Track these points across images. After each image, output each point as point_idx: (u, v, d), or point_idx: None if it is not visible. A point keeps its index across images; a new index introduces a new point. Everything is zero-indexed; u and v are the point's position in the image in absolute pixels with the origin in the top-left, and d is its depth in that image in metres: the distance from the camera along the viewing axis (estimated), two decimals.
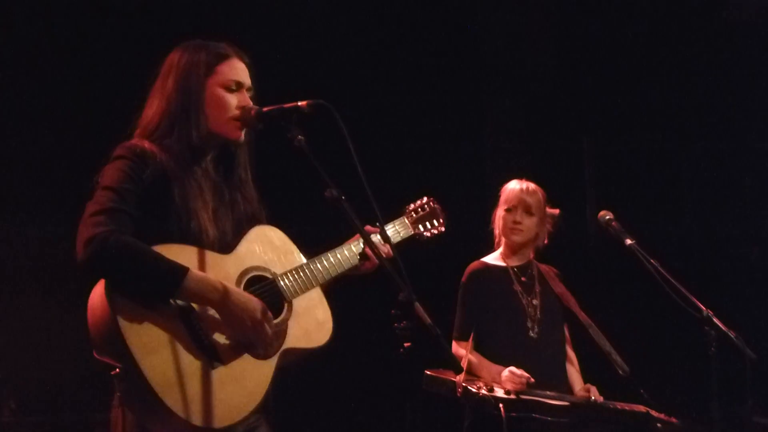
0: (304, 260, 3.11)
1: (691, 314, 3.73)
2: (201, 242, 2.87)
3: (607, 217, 4.06)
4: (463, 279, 4.29)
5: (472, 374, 4.01)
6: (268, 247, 3.04)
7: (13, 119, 5.20)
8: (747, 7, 6.26)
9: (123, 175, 2.81)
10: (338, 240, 3.24)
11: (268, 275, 3.00)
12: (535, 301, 4.25)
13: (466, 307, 4.24)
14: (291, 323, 2.98)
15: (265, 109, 2.93)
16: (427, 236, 3.56)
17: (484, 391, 3.77)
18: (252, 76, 3.05)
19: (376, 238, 3.13)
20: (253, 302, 2.83)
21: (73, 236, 2.74)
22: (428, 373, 3.89)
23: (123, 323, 2.66)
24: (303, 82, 4.95)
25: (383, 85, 5.95)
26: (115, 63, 5.15)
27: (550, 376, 4.09)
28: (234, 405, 2.79)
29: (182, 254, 2.80)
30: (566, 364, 4.29)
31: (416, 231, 3.52)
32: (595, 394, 4.03)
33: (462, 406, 4.05)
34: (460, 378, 3.79)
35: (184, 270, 2.73)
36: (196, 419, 2.69)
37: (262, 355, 2.89)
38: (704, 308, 3.73)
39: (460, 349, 4.09)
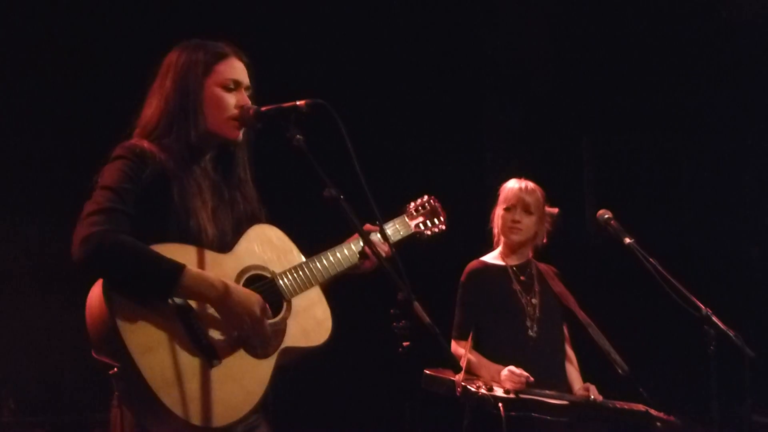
0: (303, 259, 3.12)
1: (690, 313, 3.73)
2: (200, 241, 2.88)
3: (606, 216, 4.06)
4: (462, 278, 4.29)
5: (472, 373, 4.01)
6: (267, 246, 3.04)
7: (13, 119, 5.21)
8: (747, 7, 6.25)
9: (122, 175, 2.81)
10: (337, 239, 3.24)
11: (267, 274, 3.00)
12: (534, 300, 4.26)
13: (465, 307, 4.24)
14: (290, 322, 2.98)
15: (263, 108, 2.93)
16: (428, 234, 3.56)
17: (483, 391, 3.78)
18: (251, 76, 3.05)
19: (375, 236, 3.13)
20: (252, 298, 2.83)
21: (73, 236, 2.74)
22: (427, 372, 3.90)
23: (121, 322, 2.66)
24: (302, 81, 4.96)
25: (382, 85, 5.96)
26: (114, 63, 5.16)
27: (550, 376, 4.09)
28: (232, 404, 2.79)
29: (181, 253, 2.80)
30: (565, 363, 4.29)
31: (417, 229, 3.52)
32: (594, 393, 4.03)
33: (461, 406, 4.05)
34: (459, 377, 3.79)
35: (180, 267, 2.73)
36: (195, 418, 2.69)
37: (261, 354, 2.89)
38: (703, 307, 3.73)
39: (460, 349, 4.09)
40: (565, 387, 4.19)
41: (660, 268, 3.83)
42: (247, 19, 5.50)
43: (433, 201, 3.62)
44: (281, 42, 5.66)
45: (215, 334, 2.81)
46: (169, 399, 2.66)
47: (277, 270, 3.02)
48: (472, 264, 4.33)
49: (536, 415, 3.82)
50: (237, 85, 2.99)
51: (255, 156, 3.14)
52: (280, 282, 3.00)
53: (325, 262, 3.13)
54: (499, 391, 3.81)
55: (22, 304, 5.12)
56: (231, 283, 2.83)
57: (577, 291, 4.35)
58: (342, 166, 2.69)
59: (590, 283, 5.23)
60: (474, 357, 4.08)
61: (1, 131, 5.17)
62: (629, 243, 3.94)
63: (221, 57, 3.00)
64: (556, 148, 6.31)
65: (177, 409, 2.67)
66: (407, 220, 3.51)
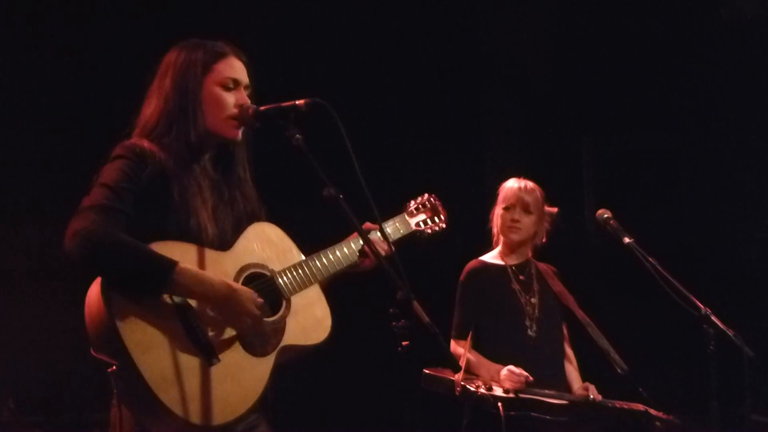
0: (303, 257, 3.12)
1: (689, 312, 3.73)
2: (200, 240, 2.88)
3: (606, 216, 4.06)
4: (462, 278, 4.29)
5: (471, 373, 4.01)
6: (266, 245, 3.04)
7: (13, 119, 5.21)
8: (746, 7, 6.25)
9: (121, 174, 2.81)
10: (337, 239, 3.24)
11: (266, 272, 3.00)
12: (533, 300, 4.26)
13: (464, 306, 4.24)
14: (289, 320, 2.98)
15: (262, 107, 2.93)
16: (428, 233, 3.55)
17: (482, 390, 3.78)
18: (250, 75, 3.05)
19: (375, 235, 3.13)
20: (247, 295, 2.82)
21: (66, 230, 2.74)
22: (427, 371, 3.90)
23: (119, 321, 2.66)
24: (301, 81, 4.96)
25: (382, 84, 5.96)
26: (115, 63, 5.16)
27: (549, 375, 4.10)
28: (231, 402, 2.79)
29: (181, 251, 2.81)
30: (565, 363, 4.29)
31: (417, 228, 3.52)
32: (593, 393, 4.04)
33: (461, 405, 4.05)
34: (458, 377, 3.79)
35: (173, 264, 2.72)
36: (194, 417, 2.69)
37: (260, 352, 2.89)
38: (702, 306, 3.73)
39: (459, 348, 4.10)
40: (564, 386, 4.19)
41: (659, 267, 3.83)
42: (247, 19, 5.50)
43: (434, 199, 3.62)
44: (281, 42, 5.66)
45: (214, 333, 2.81)
46: (168, 397, 2.66)
47: (277, 268, 3.02)
48: (472, 263, 4.33)
49: (535, 414, 3.82)
50: (236, 84, 2.99)
51: (254, 155, 3.15)
52: (280, 280, 3.00)
53: (324, 260, 3.13)
54: (498, 391, 3.81)
55: (22, 304, 5.12)
56: (226, 280, 2.83)
57: (577, 290, 4.35)
58: (341, 166, 2.69)
59: (589, 282, 5.24)
60: (473, 356, 4.08)
61: (1, 131, 5.17)
62: (628, 242, 3.94)
63: (220, 56, 3.00)
64: (555, 148, 6.32)
65: (176, 408, 2.67)
66: (407, 218, 3.51)
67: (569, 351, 4.34)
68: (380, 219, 2.90)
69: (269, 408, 3.00)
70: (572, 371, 4.29)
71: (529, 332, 4.19)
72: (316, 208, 2.93)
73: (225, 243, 2.95)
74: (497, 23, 6.47)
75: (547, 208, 4.34)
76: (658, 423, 3.93)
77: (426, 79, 6.11)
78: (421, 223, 3.54)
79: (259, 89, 3.08)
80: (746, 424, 3.92)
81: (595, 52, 6.33)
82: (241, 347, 2.85)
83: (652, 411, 3.96)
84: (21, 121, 5.23)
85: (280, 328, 2.96)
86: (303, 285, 3.04)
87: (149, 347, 2.68)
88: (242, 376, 2.83)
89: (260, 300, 2.85)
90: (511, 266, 4.31)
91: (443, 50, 6.21)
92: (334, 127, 2.71)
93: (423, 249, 3.57)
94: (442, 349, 2.66)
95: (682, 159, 6.47)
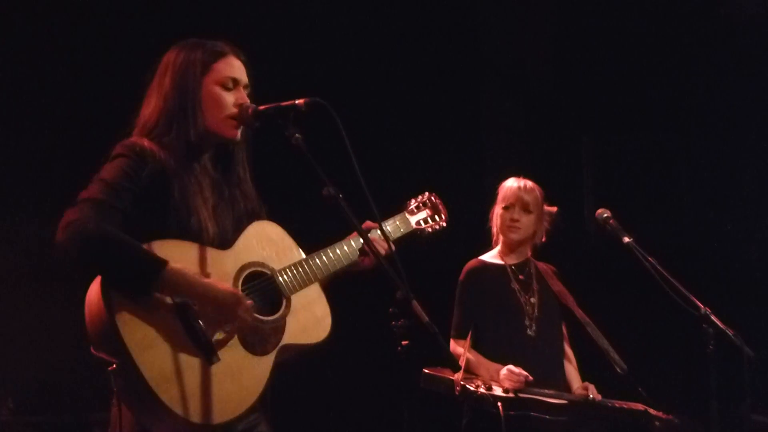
0: (303, 256, 3.11)
1: (689, 312, 3.73)
2: (201, 239, 2.87)
3: (605, 215, 4.06)
4: (461, 277, 4.29)
5: (470, 372, 4.01)
6: (266, 243, 3.04)
7: (13, 119, 5.21)
8: (746, 5, 6.25)
9: (120, 172, 2.81)
10: (337, 238, 3.24)
11: (267, 271, 2.99)
12: (533, 299, 4.26)
13: (463, 306, 4.24)
14: (289, 319, 2.98)
15: (262, 107, 2.93)
16: (429, 231, 3.54)
17: (482, 390, 3.78)
18: (249, 75, 3.05)
19: (376, 234, 3.13)
20: (235, 297, 2.79)
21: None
22: (426, 371, 3.90)
23: (119, 319, 2.66)
24: (301, 80, 4.96)
25: (381, 84, 5.95)
26: (115, 63, 5.16)
27: (548, 375, 4.10)
28: (231, 401, 2.78)
29: (181, 250, 2.81)
30: (564, 362, 4.29)
31: (417, 226, 3.50)
32: (593, 393, 4.04)
33: (460, 405, 4.06)
34: (458, 376, 3.80)
35: (163, 263, 2.71)
36: (194, 416, 2.69)
37: (260, 351, 2.88)
38: (702, 306, 3.73)
39: (458, 348, 4.09)
40: (563, 386, 4.19)
41: (659, 267, 3.83)
42: (246, 19, 5.50)
43: (434, 197, 3.61)
44: (280, 41, 5.66)
45: (214, 332, 2.80)
46: (168, 396, 2.66)
47: (277, 267, 3.02)
48: (471, 263, 4.33)
49: (535, 414, 3.82)
50: (235, 84, 2.99)
51: (254, 155, 3.14)
52: (280, 279, 3.00)
53: (324, 259, 3.12)
54: (498, 390, 3.81)
55: (22, 304, 5.11)
56: (216, 283, 2.80)
57: (576, 290, 4.35)
58: (341, 166, 2.69)
59: (589, 282, 5.24)
60: (473, 356, 4.08)
61: (1, 131, 5.17)
62: (628, 242, 3.94)
63: (220, 55, 3.00)
64: (555, 147, 6.31)
65: (175, 407, 2.66)
66: (408, 216, 3.50)
67: (569, 350, 4.34)
68: (380, 218, 2.90)
69: (268, 407, 3.00)
70: (572, 371, 4.29)
71: (529, 332, 4.19)
72: (316, 208, 2.93)
73: (225, 242, 2.95)
74: (497, 23, 6.47)
75: (547, 208, 4.34)
76: (657, 423, 3.94)
77: (426, 78, 6.11)
78: (421, 222, 3.53)
79: (258, 89, 3.08)
80: (746, 423, 3.92)
81: (595, 51, 6.33)
82: (241, 346, 2.85)
83: (652, 411, 3.96)
84: (21, 120, 5.23)
85: (280, 327, 2.95)
86: (303, 284, 3.04)
87: (149, 346, 2.68)
88: (242, 375, 2.83)
89: (250, 302, 2.84)
90: (510, 266, 4.31)
91: (443, 49, 6.20)
92: (333, 126, 2.71)
93: (423, 248, 3.56)
94: (442, 348, 2.66)
95: (681, 158, 6.47)
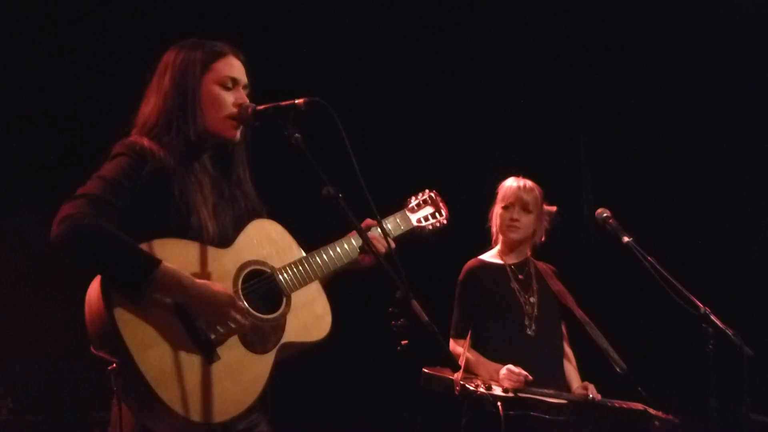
0: (303, 254, 3.11)
1: (688, 312, 3.73)
2: (201, 237, 2.87)
3: (605, 215, 4.06)
4: (461, 277, 4.29)
5: (470, 372, 4.01)
6: (266, 241, 3.03)
7: (13, 119, 5.21)
8: (745, 5, 6.26)
9: (119, 170, 2.81)
10: (336, 237, 3.24)
11: (267, 269, 2.99)
12: (532, 299, 4.26)
13: (463, 305, 4.25)
14: (289, 317, 2.97)
15: (261, 106, 2.93)
16: (429, 229, 3.52)
17: (481, 389, 3.78)
18: (249, 75, 3.05)
19: (375, 232, 3.12)
20: (223, 297, 2.78)
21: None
22: (426, 370, 3.90)
23: (119, 318, 2.66)
24: (300, 80, 4.96)
25: (381, 83, 5.95)
26: (114, 63, 5.16)
27: (548, 374, 4.10)
28: (232, 400, 2.78)
29: (181, 249, 2.81)
30: (564, 362, 4.29)
31: (418, 224, 3.49)
32: (592, 392, 4.04)
33: (460, 404, 4.06)
34: (457, 376, 3.80)
35: (156, 262, 2.71)
36: (194, 414, 2.69)
37: (260, 350, 2.88)
38: (702, 305, 3.74)
39: (458, 347, 4.10)
40: (563, 386, 4.19)
41: (658, 266, 3.83)
42: (246, 19, 5.50)
43: (435, 195, 3.60)
44: (281, 42, 5.66)
45: (214, 330, 2.80)
46: (168, 395, 2.66)
47: (277, 265, 3.01)
48: (471, 263, 4.33)
49: (535, 413, 3.82)
50: (235, 83, 2.99)
51: (254, 155, 3.14)
52: (280, 277, 3.00)
53: (325, 257, 3.12)
54: (497, 390, 3.81)
55: (22, 303, 5.11)
56: (205, 282, 2.79)
57: (576, 289, 4.36)
58: (340, 165, 2.69)
59: (588, 281, 5.23)
60: (472, 356, 4.08)
61: (1, 131, 5.17)
62: (627, 241, 3.94)
63: (219, 55, 3.00)
64: (554, 147, 6.32)
65: (176, 406, 2.66)
66: (408, 214, 3.49)
67: (568, 350, 4.34)
68: (379, 217, 2.89)
69: (268, 406, 3.00)
70: (571, 370, 4.29)
71: (528, 331, 4.19)
72: (316, 207, 2.93)
73: (226, 240, 2.95)
74: (496, 22, 6.47)
75: (546, 207, 4.34)
76: (657, 422, 3.94)
77: (425, 78, 6.11)
78: (422, 219, 3.52)
79: (258, 89, 3.08)
80: (745, 423, 3.92)
81: (594, 51, 6.34)
82: (241, 345, 2.85)
83: (651, 410, 3.96)
84: (21, 120, 5.23)
85: (280, 325, 2.95)
86: (303, 282, 3.03)
87: (149, 345, 2.68)
88: (242, 374, 2.82)
89: (241, 303, 2.83)
90: (510, 265, 4.31)
91: (442, 49, 6.20)
92: (333, 126, 2.71)
93: (422, 248, 3.56)
94: (441, 348, 2.66)
95: (681, 158, 6.48)
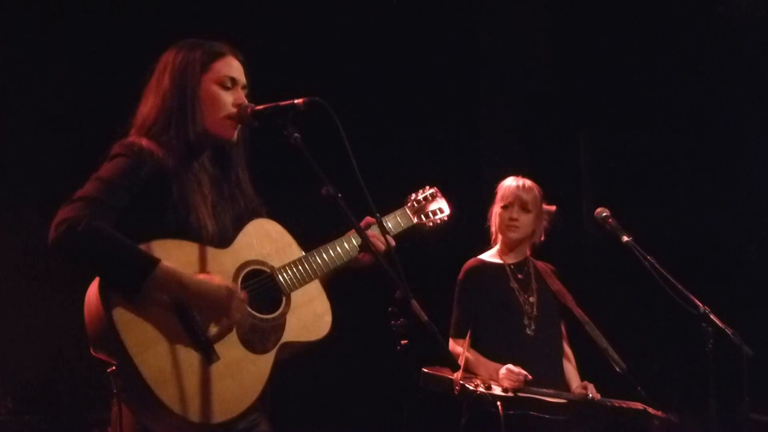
0: (303, 253, 3.11)
1: (688, 311, 3.74)
2: (200, 237, 2.87)
3: (604, 214, 4.07)
4: (460, 276, 4.29)
5: (470, 372, 4.02)
6: (265, 241, 3.04)
7: (12, 119, 5.21)
8: (745, 5, 6.26)
9: (118, 171, 2.81)
10: (336, 237, 3.23)
11: (266, 269, 2.99)
12: (531, 299, 4.26)
13: (462, 305, 4.25)
14: (289, 317, 2.97)
15: (260, 106, 2.93)
16: (430, 226, 3.49)
17: (481, 389, 3.78)
18: (248, 75, 3.05)
19: (375, 230, 3.12)
20: (223, 290, 2.78)
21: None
22: (425, 370, 3.90)
23: (117, 320, 2.66)
24: (299, 79, 4.96)
25: (380, 82, 5.95)
26: (114, 63, 5.16)
27: (547, 374, 4.10)
28: (232, 400, 2.78)
29: (179, 249, 2.81)
30: (563, 362, 4.29)
31: (419, 221, 3.47)
32: (592, 392, 4.04)
33: (459, 404, 4.06)
34: (457, 376, 3.80)
35: (155, 262, 2.71)
36: (193, 415, 2.69)
37: (260, 349, 2.88)
38: (701, 305, 3.74)
39: (458, 347, 4.10)
40: (562, 385, 4.19)
41: (658, 266, 3.84)
42: (245, 19, 5.50)
43: (436, 191, 3.57)
44: (279, 41, 5.66)
45: (214, 330, 2.80)
46: (167, 396, 2.66)
47: (276, 264, 3.01)
48: (470, 262, 4.33)
49: (534, 413, 3.83)
50: (234, 83, 2.99)
51: (253, 155, 3.15)
52: (280, 276, 3.00)
53: (324, 256, 3.11)
54: (497, 390, 3.82)
55: (22, 303, 5.12)
56: (204, 277, 2.79)
57: (575, 289, 4.36)
58: (340, 164, 2.69)
59: (588, 281, 5.24)
60: (472, 355, 4.08)
61: (1, 130, 5.17)
62: (627, 241, 3.95)
63: (218, 55, 3.00)
64: (553, 146, 6.32)
65: (175, 406, 2.66)
66: (408, 211, 3.47)
67: (568, 350, 4.34)
68: (379, 216, 2.89)
69: (268, 406, 3.00)
70: (571, 370, 4.29)
71: (528, 331, 4.19)
72: (315, 207, 2.93)
73: (225, 240, 2.95)
74: (495, 22, 6.47)
75: (546, 207, 4.34)
76: (656, 422, 3.94)
77: (423, 76, 6.11)
78: (422, 216, 3.49)
79: (257, 89, 3.09)
80: (745, 422, 3.92)
81: (594, 50, 6.34)
82: (241, 344, 2.85)
83: (651, 410, 3.96)
84: (21, 120, 5.24)
85: (280, 325, 2.95)
86: (303, 281, 3.03)
87: (148, 346, 2.68)
88: (242, 374, 2.82)
89: (244, 294, 2.84)
90: (509, 265, 4.31)
91: (442, 48, 6.21)
92: (332, 126, 2.71)
93: (422, 248, 3.55)
94: (441, 347, 2.66)
95: (680, 157, 6.48)
